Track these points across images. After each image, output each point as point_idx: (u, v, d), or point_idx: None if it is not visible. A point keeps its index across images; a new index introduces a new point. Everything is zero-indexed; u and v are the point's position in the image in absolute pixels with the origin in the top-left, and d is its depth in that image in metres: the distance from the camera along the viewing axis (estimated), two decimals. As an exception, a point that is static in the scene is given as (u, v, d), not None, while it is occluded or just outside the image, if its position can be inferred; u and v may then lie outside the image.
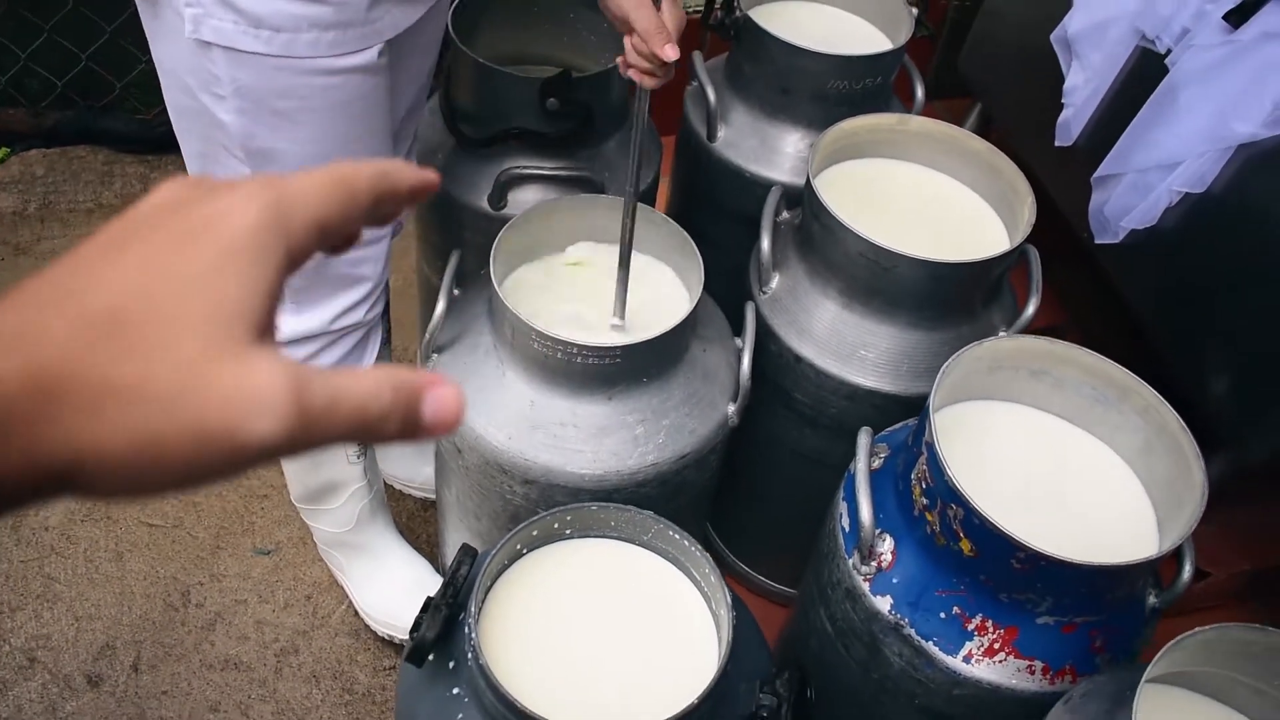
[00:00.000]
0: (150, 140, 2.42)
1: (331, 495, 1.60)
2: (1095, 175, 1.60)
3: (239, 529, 1.85)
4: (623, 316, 1.30)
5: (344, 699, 1.65)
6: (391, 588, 1.68)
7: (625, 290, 1.28)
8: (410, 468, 1.89)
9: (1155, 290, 1.61)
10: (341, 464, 1.54)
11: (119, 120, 2.36)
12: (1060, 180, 1.75)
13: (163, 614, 1.73)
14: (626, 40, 1.17)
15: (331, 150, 1.21)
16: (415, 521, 1.89)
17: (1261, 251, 1.41)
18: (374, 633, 1.72)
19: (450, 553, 1.60)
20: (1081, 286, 2.01)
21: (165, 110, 1.24)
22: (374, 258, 1.36)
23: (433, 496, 1.89)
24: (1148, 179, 1.54)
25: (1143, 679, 0.94)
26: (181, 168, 1.30)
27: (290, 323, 1.34)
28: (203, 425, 0.34)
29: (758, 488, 1.62)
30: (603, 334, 1.31)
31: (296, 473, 1.58)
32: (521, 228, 1.33)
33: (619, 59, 1.21)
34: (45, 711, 1.61)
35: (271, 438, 0.35)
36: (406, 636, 1.67)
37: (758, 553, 1.76)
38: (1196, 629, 0.98)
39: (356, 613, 1.74)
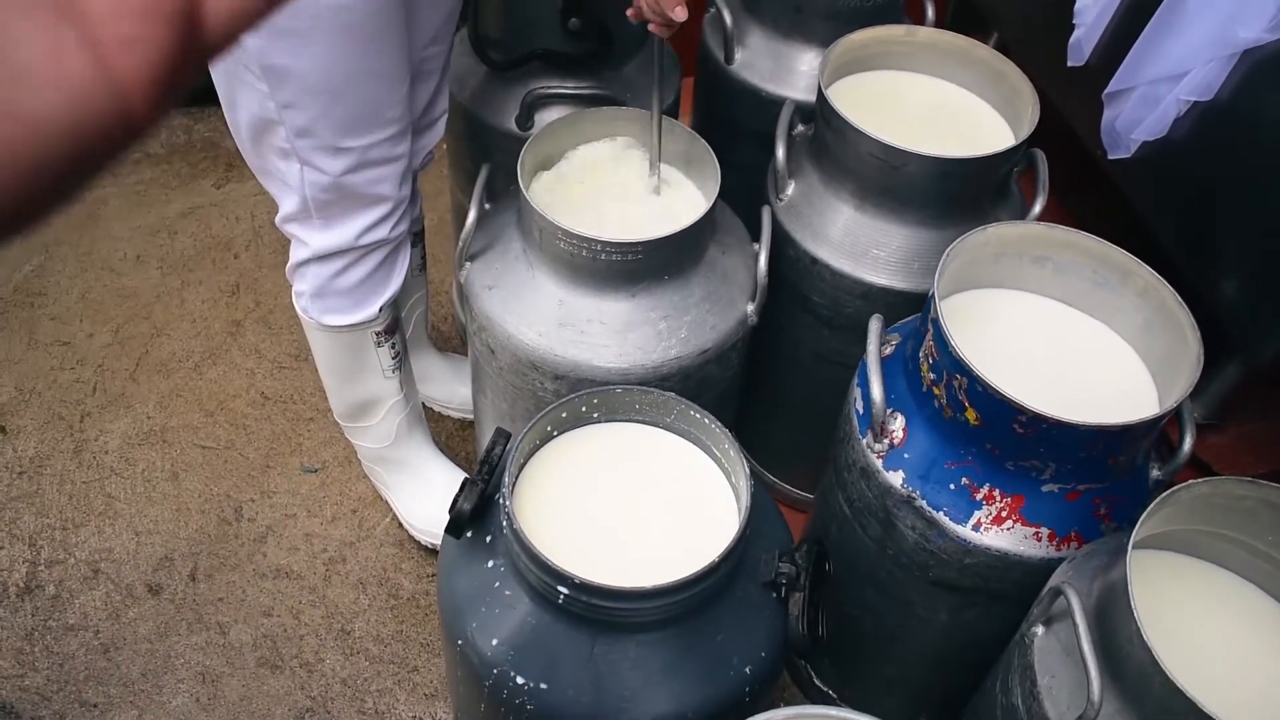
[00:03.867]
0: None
1: (370, 411, 1.68)
2: (1106, 91, 1.63)
3: (287, 449, 1.94)
4: (658, 175, 1.42)
5: (390, 603, 1.74)
6: (432, 499, 1.76)
7: (659, 146, 1.40)
8: (448, 389, 1.96)
9: (1167, 201, 1.64)
10: (378, 379, 1.61)
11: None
12: (1074, 102, 1.78)
13: (217, 528, 1.82)
14: None
15: (344, 71, 1.24)
16: (454, 440, 1.97)
17: (1270, 155, 1.44)
18: (418, 542, 1.80)
19: (487, 462, 1.68)
20: (1091, 212, 2.04)
21: None
22: (389, 177, 1.40)
23: (470, 416, 1.97)
24: (1157, 91, 1.57)
25: (1136, 526, 1.00)
26: (221, 120, 1.37)
27: (319, 238, 1.41)
28: None
29: (781, 393, 1.68)
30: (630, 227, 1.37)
31: (335, 389, 1.66)
32: (547, 138, 1.39)
33: (629, 11, 1.33)
34: (109, 618, 1.70)
35: None
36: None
37: (781, 460, 1.82)
38: (1189, 481, 1.03)
39: (400, 524, 1.82)
